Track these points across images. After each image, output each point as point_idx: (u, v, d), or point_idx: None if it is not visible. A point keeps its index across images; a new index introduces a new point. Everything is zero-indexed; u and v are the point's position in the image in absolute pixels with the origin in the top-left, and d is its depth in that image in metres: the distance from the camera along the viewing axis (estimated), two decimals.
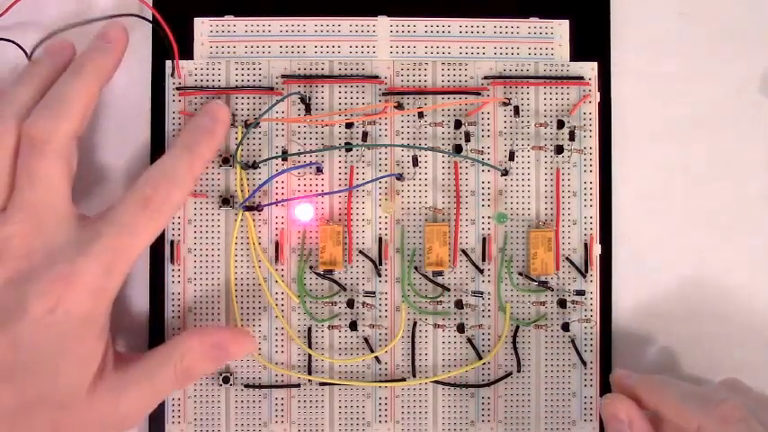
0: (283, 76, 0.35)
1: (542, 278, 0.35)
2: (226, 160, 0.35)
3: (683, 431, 0.30)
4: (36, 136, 0.30)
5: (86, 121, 0.32)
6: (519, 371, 0.35)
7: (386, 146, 0.35)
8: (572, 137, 0.36)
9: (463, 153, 0.35)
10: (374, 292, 0.35)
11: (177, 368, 0.31)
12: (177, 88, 0.35)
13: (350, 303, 0.35)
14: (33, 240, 0.30)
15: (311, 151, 0.35)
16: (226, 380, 0.35)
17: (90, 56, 0.32)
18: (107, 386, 0.30)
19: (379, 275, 0.35)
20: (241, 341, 0.33)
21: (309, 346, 0.35)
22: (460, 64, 0.36)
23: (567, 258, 0.36)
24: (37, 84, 0.32)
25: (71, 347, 0.29)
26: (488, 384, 0.35)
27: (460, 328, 0.35)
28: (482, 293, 0.35)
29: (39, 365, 0.29)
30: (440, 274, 0.35)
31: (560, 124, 0.36)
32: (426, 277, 0.35)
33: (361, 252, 0.35)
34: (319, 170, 0.35)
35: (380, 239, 0.35)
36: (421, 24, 0.36)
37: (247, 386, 0.35)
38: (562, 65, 0.36)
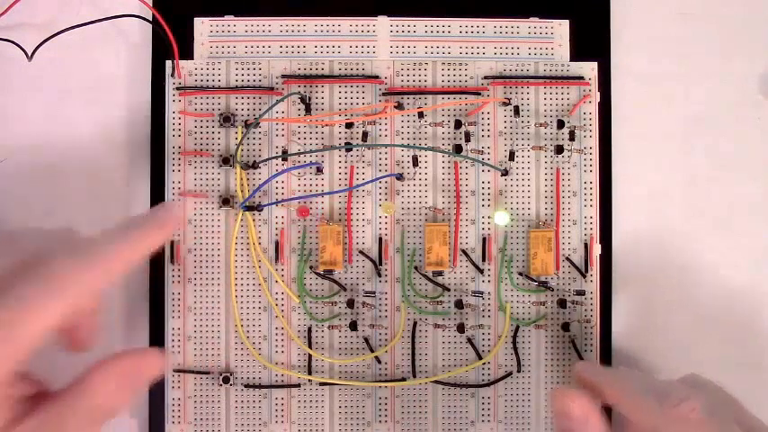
0: (283, 76, 0.35)
1: (542, 278, 0.35)
2: (226, 160, 0.35)
3: (641, 427, 0.30)
4: None
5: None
6: (519, 371, 0.35)
7: (386, 146, 0.35)
8: (572, 137, 0.36)
9: (463, 153, 0.35)
10: (374, 292, 0.35)
11: (92, 412, 0.27)
12: (177, 88, 0.35)
13: (350, 303, 0.35)
14: None
15: (311, 151, 0.35)
16: (226, 380, 0.35)
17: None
18: None
19: (379, 275, 0.35)
20: (149, 359, 0.29)
21: (309, 346, 0.35)
22: (460, 64, 0.36)
23: (567, 258, 0.36)
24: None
25: None
26: (488, 384, 0.35)
27: (460, 328, 0.35)
28: (482, 293, 0.35)
29: None
30: (440, 274, 0.35)
31: (560, 124, 0.36)
32: (426, 277, 0.35)
33: (361, 252, 0.35)
34: (319, 170, 0.35)
35: (380, 239, 0.35)
36: (421, 24, 0.36)
37: (247, 386, 0.35)
38: (562, 65, 0.36)
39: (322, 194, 0.35)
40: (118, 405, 0.28)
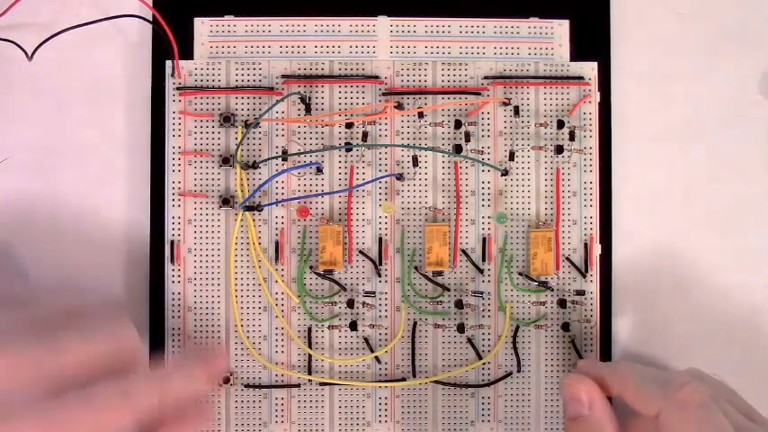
0: (283, 76, 0.35)
1: (542, 278, 0.35)
2: (226, 160, 0.35)
3: (644, 417, 0.30)
4: None
5: None
6: (519, 371, 0.35)
7: (386, 146, 0.35)
8: (572, 137, 0.36)
9: (463, 153, 0.35)
10: (374, 292, 0.35)
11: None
12: (177, 88, 0.35)
13: (350, 303, 0.35)
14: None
15: (311, 151, 0.35)
16: (226, 380, 0.35)
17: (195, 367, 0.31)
18: None
19: (379, 275, 0.35)
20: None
21: (309, 346, 0.35)
22: (460, 64, 0.36)
23: (567, 258, 0.36)
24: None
25: None
26: (488, 384, 0.35)
27: (460, 328, 0.35)
28: (482, 293, 0.35)
29: None
30: (440, 274, 0.35)
31: (560, 124, 0.36)
32: (426, 277, 0.35)
33: (361, 252, 0.35)
34: (319, 170, 0.35)
35: (380, 239, 0.35)
36: (421, 24, 0.36)
37: (247, 386, 0.35)
38: (562, 65, 0.36)
39: (322, 194, 0.35)
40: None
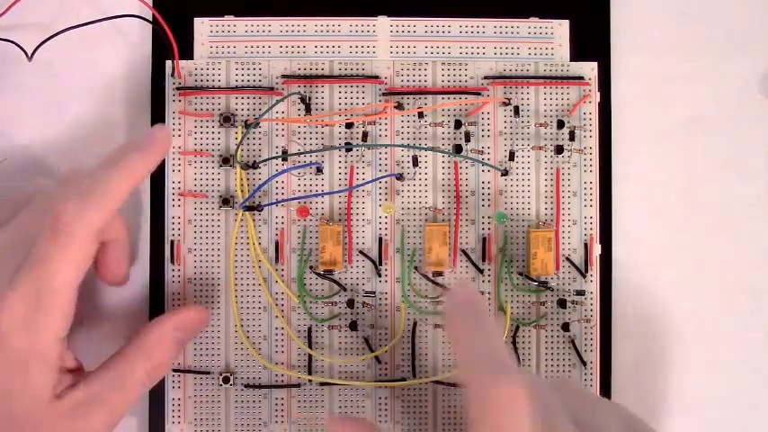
0: (283, 76, 0.35)
1: (542, 278, 0.35)
2: (226, 160, 0.35)
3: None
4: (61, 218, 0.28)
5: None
6: None
7: (386, 146, 0.35)
8: (572, 137, 0.36)
9: (463, 153, 0.35)
10: (374, 292, 0.35)
11: (148, 369, 0.31)
12: (177, 88, 0.35)
13: (350, 303, 0.35)
14: None
15: (311, 151, 0.35)
16: (226, 380, 0.35)
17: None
18: (71, 407, 0.29)
19: (379, 275, 0.35)
20: (197, 315, 0.33)
21: (309, 346, 0.35)
22: (460, 64, 0.36)
23: (567, 258, 0.36)
24: None
25: (17, 377, 0.28)
26: None
27: None
28: (482, 293, 0.35)
29: None
30: (440, 274, 0.35)
31: (560, 124, 0.36)
32: (426, 277, 0.35)
33: (361, 252, 0.35)
34: (319, 170, 0.35)
35: (380, 239, 0.35)
36: (421, 24, 0.36)
37: (247, 386, 0.35)
38: (562, 65, 0.36)
39: (322, 194, 0.35)
40: (170, 362, 0.32)
